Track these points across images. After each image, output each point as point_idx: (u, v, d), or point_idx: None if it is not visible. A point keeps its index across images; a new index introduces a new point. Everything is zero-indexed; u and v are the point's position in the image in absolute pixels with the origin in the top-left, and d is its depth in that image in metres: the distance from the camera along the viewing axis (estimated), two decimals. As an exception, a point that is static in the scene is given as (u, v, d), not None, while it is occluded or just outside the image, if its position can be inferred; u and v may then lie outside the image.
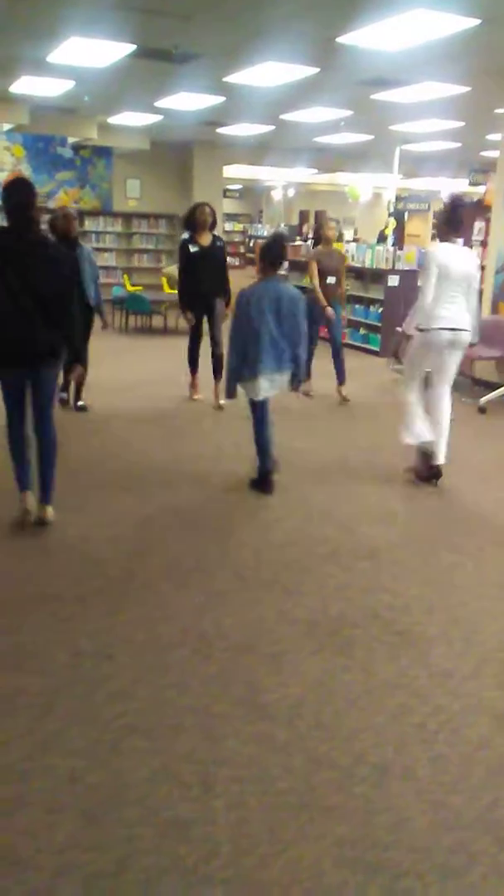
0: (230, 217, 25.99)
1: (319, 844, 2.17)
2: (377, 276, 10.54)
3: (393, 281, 10.23)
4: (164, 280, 13.31)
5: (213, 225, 7.05)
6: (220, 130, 13.10)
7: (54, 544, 4.13)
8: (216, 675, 2.98)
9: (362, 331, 10.82)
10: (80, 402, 6.88)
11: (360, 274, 10.93)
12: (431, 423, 5.14)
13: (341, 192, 21.60)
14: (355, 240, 13.40)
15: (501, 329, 8.08)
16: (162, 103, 10.57)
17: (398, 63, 7.47)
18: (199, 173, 15.52)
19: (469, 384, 8.11)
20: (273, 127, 12.53)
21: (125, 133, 13.56)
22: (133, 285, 13.46)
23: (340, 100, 9.96)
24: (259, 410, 4.87)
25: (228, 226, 25.25)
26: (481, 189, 12.12)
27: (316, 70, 7.95)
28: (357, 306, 10.90)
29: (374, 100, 9.59)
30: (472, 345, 5.25)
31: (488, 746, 2.61)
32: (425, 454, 5.20)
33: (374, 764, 2.51)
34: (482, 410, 7.29)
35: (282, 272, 7.62)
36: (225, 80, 8.62)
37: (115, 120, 12.53)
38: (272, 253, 4.79)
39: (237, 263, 25.32)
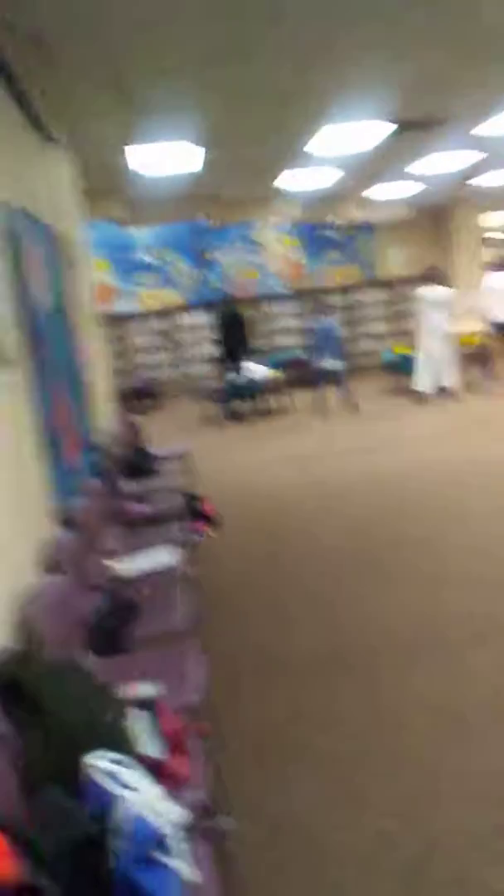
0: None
1: None
2: None
3: None
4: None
5: None
6: (471, 182, 13.37)
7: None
8: None
9: None
10: None
11: None
12: None
13: None
14: None
15: None
16: (412, 168, 11.09)
17: None
18: (457, 227, 15.77)
19: None
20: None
21: (383, 205, 14.26)
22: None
23: None
24: None
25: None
26: None
27: None
28: None
29: None
30: None
31: None
32: None
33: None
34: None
35: None
36: (472, 133, 8.97)
37: (371, 193, 13.26)
38: None
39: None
